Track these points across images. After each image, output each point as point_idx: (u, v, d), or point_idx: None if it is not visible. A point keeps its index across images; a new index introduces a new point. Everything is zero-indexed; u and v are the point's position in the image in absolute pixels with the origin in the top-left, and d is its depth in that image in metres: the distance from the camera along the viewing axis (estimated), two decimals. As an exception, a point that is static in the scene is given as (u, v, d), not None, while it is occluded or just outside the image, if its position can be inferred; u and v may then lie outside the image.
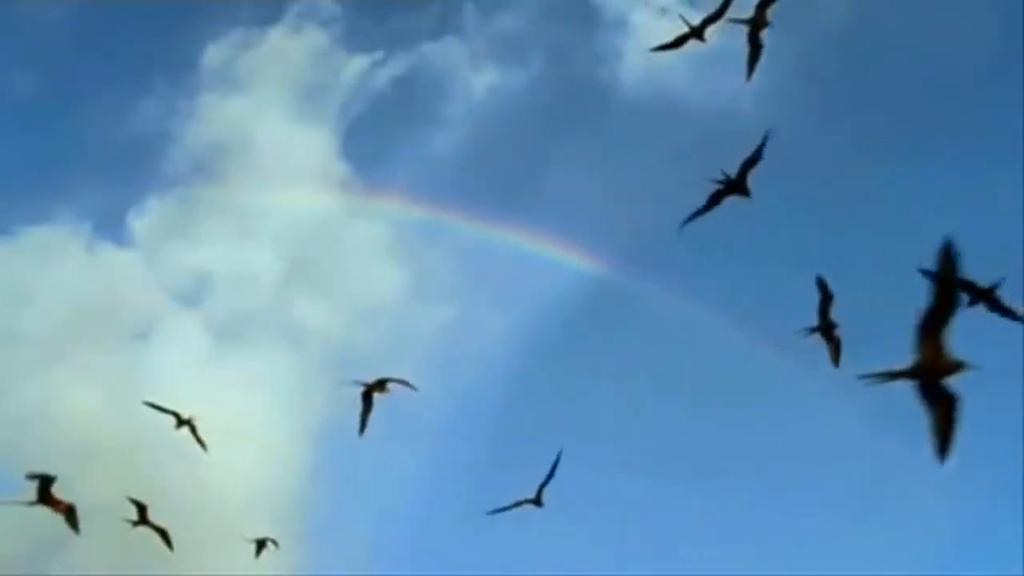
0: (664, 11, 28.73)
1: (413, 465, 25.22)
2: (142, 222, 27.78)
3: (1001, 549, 23.01)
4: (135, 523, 14.17)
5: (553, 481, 13.46)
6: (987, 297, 11.55)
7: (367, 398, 13.45)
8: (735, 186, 11.53)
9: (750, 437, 25.77)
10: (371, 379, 13.48)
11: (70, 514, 12.48)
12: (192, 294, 26.46)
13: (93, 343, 25.20)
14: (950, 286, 8.12)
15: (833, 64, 27.19)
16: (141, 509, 14.14)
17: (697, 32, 12.12)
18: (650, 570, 23.17)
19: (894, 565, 22.87)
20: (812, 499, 25.20)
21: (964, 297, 11.38)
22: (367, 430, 15.90)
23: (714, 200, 11.58)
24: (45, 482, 12.12)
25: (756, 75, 12.30)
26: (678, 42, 12.22)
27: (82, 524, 13.07)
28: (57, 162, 29.30)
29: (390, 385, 13.48)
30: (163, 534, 14.17)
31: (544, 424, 25.27)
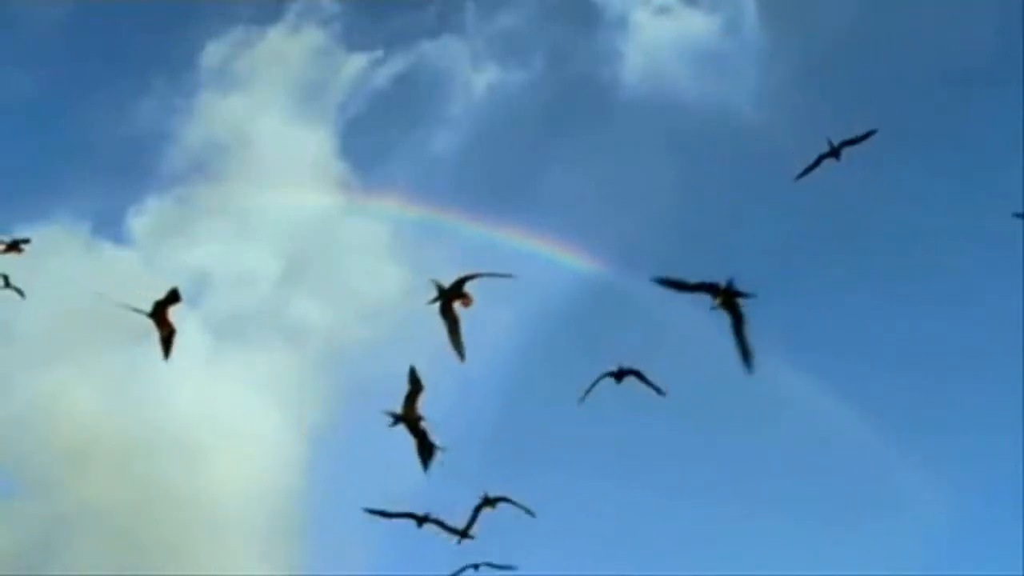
0: (664, 10, 28.84)
1: (410, 464, 25.17)
2: (141, 221, 27.81)
3: (1001, 549, 23.01)
4: (394, 418, 11.20)
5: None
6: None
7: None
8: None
9: (748, 437, 25.78)
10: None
11: (167, 339, 11.73)
12: (191, 293, 26.45)
13: (91, 343, 25.19)
14: None
15: (833, 64, 27.20)
16: (414, 390, 11.12)
17: (835, 152, 13.13)
18: (647, 571, 23.16)
19: (893, 565, 22.89)
20: (811, 500, 25.21)
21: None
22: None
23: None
24: (171, 298, 11.47)
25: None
26: (817, 163, 13.23)
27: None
28: (56, 161, 29.32)
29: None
30: (425, 449, 11.35)
31: (542, 424, 25.26)
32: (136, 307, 11.43)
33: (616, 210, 27.05)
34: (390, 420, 11.18)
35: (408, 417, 11.19)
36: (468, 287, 11.36)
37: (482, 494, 13.06)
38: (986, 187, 25.10)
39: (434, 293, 11.32)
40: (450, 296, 11.13)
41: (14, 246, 13.85)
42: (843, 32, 26.60)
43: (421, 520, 12.74)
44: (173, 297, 11.52)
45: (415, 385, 11.13)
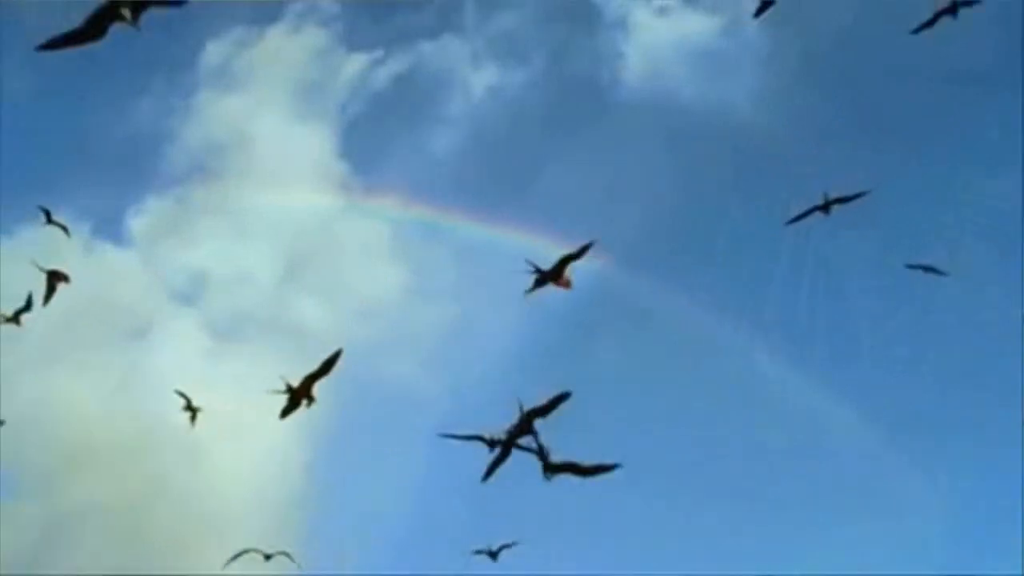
0: (664, 10, 28.88)
1: (410, 464, 25.19)
2: (140, 222, 27.84)
3: (1001, 549, 23.01)
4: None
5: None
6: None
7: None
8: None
9: (749, 437, 25.77)
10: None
11: (294, 406, 10.69)
12: (190, 293, 26.49)
13: (91, 342, 25.19)
14: None
15: (833, 64, 27.19)
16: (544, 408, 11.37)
17: (826, 207, 13.88)
18: (647, 572, 23.16)
19: (894, 565, 22.89)
20: (812, 500, 25.21)
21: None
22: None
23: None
24: (326, 367, 10.38)
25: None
26: (808, 213, 13.93)
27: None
28: (55, 161, 29.30)
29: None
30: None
31: (541, 424, 25.21)
32: (287, 382, 10.41)
33: (616, 210, 27.10)
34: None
35: (523, 427, 11.59)
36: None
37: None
38: (986, 187, 25.10)
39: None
40: (549, 277, 11.82)
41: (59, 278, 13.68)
42: (843, 32, 26.60)
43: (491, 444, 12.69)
44: (330, 364, 10.52)
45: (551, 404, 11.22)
